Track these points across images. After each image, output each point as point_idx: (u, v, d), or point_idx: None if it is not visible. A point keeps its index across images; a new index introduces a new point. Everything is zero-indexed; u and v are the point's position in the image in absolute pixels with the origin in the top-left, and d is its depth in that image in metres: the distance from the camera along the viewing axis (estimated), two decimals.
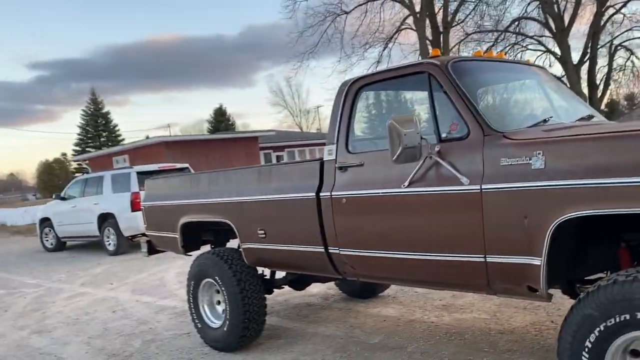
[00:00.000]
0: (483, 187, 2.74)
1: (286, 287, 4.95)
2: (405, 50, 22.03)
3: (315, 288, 6.13)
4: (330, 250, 3.64)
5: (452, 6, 20.75)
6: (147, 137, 33.71)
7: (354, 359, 4.04)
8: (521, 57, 19.62)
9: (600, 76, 20.50)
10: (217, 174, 4.70)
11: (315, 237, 3.67)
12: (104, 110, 57.26)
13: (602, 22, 19.26)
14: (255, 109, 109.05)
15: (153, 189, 5.50)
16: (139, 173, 11.25)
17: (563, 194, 2.45)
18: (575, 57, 19.42)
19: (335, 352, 4.21)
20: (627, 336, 2.25)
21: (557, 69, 19.88)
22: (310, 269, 4.10)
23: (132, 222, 10.90)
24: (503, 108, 3.63)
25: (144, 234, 11.82)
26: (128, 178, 11.31)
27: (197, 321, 4.69)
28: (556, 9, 19.08)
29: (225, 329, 4.36)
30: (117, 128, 57.60)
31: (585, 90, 19.43)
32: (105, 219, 11.48)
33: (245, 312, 4.22)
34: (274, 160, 29.39)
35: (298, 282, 4.88)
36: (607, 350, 2.32)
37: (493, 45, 19.37)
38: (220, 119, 56.18)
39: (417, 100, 4.09)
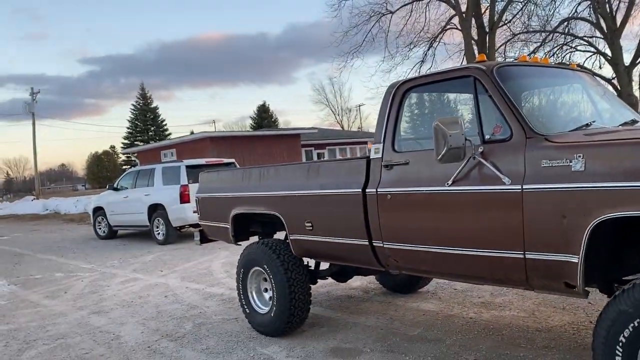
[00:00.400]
0: (524, 187, 2.87)
1: (328, 280, 5.18)
2: (450, 50, 21.92)
3: (356, 282, 6.34)
4: (374, 244, 3.83)
5: (499, 6, 20.44)
6: (192, 132, 34.76)
7: (393, 348, 4.22)
8: (570, 58, 19.18)
9: None
10: (268, 168, 4.94)
11: (360, 230, 3.87)
12: (153, 105, 59.23)
13: None
14: (296, 106, 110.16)
15: (207, 181, 5.81)
16: (188, 167, 11.71)
17: (601, 195, 2.56)
18: (627, 58, 18.86)
19: (375, 342, 4.40)
20: None
21: (608, 71, 19.35)
22: (354, 261, 4.31)
23: (181, 213, 11.39)
24: (546, 112, 3.73)
25: (191, 225, 12.27)
26: (178, 171, 11.77)
27: (245, 307, 4.96)
28: (608, 9, 18.55)
29: (272, 314, 4.61)
30: (164, 123, 59.48)
31: (637, 93, 18.82)
32: (155, 210, 11.98)
33: (291, 299, 4.47)
34: (315, 158, 29.69)
35: (341, 274, 5.09)
36: None
37: (541, 45, 18.98)
38: (264, 116, 57.18)
39: (461, 102, 4.22)
